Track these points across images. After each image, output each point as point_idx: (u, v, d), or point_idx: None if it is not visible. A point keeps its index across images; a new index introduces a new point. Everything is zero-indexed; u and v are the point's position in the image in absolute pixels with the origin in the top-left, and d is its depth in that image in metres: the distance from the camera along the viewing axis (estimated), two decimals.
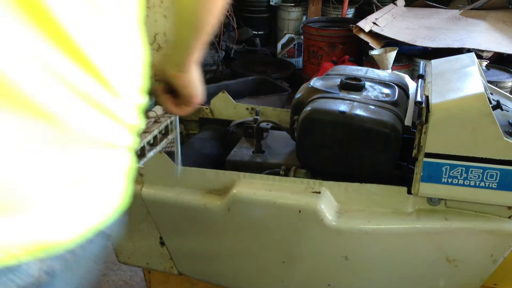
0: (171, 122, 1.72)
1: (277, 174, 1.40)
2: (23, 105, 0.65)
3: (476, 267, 1.33)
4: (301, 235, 1.35)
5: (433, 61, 1.52)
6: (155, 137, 1.65)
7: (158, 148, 1.65)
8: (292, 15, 4.76)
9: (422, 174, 1.24)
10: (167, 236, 1.51)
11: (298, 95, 1.48)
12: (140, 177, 1.45)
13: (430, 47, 3.65)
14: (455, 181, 1.23)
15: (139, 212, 1.48)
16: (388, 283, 1.40)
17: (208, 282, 1.58)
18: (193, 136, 1.77)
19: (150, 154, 1.61)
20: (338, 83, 1.46)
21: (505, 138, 1.17)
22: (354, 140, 1.30)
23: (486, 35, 3.73)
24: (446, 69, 1.43)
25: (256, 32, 4.83)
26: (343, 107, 1.32)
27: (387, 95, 1.45)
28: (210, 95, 1.92)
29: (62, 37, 0.67)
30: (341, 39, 4.07)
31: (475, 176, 1.21)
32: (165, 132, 1.71)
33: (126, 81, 0.80)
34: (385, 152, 1.29)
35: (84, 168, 0.75)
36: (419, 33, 3.80)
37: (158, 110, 1.74)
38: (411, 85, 1.60)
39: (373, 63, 3.48)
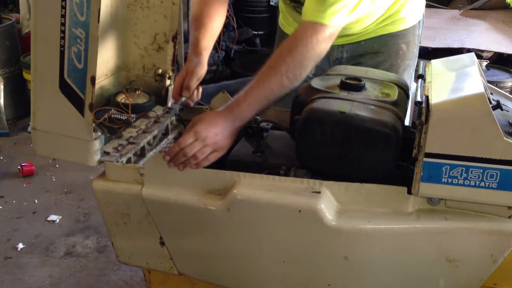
0: (171, 122, 1.72)
1: (277, 174, 1.40)
2: None
3: (476, 267, 1.33)
4: (301, 235, 1.35)
5: (433, 61, 1.52)
6: (155, 137, 1.65)
7: (158, 148, 1.65)
8: None
9: (422, 174, 1.24)
10: (167, 236, 1.51)
11: (298, 95, 1.48)
12: (140, 177, 1.45)
13: (430, 47, 3.65)
14: (455, 181, 1.23)
15: (139, 212, 1.48)
16: (388, 283, 1.40)
17: (208, 282, 1.58)
18: None
19: (150, 154, 1.61)
20: (338, 83, 1.46)
21: (505, 138, 1.17)
22: (354, 140, 1.30)
23: (486, 35, 3.73)
24: (446, 69, 1.43)
25: (256, 32, 4.83)
26: (343, 107, 1.32)
27: (387, 95, 1.45)
28: (210, 95, 1.92)
29: None
30: None
31: (475, 176, 1.21)
32: (165, 132, 1.71)
33: None
34: (385, 152, 1.29)
35: None
36: None
37: (158, 110, 1.74)
38: (411, 85, 1.60)
39: None
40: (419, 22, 1.81)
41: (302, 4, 1.55)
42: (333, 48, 1.46)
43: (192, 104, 1.66)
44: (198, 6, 1.69)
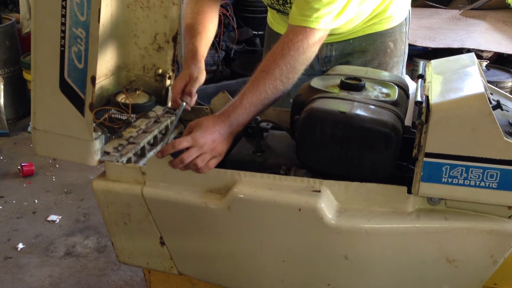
0: (171, 122, 1.72)
1: (278, 174, 1.40)
2: None
3: (476, 268, 1.33)
4: (301, 233, 1.35)
5: (433, 61, 1.52)
6: (155, 137, 1.65)
7: (158, 148, 1.65)
8: None
9: (422, 174, 1.24)
10: (168, 235, 1.52)
11: (298, 95, 1.49)
12: (141, 177, 1.45)
13: (430, 47, 3.66)
14: (455, 181, 1.23)
15: (140, 211, 1.48)
16: (387, 282, 1.40)
17: (208, 282, 1.58)
18: None
19: (150, 154, 1.61)
20: (338, 83, 1.47)
21: (505, 138, 1.17)
22: (354, 140, 1.30)
23: (486, 35, 3.74)
24: (446, 69, 1.43)
25: (256, 32, 4.82)
26: (343, 107, 1.32)
27: (387, 95, 1.45)
28: (210, 95, 1.92)
29: None
30: None
31: (475, 176, 1.21)
32: (165, 132, 1.71)
33: None
34: (385, 152, 1.30)
35: None
36: (419, 33, 3.80)
37: (158, 110, 1.74)
38: (411, 85, 1.61)
39: None
40: (405, 19, 1.84)
41: (288, 14, 1.58)
42: (322, 46, 1.50)
43: (189, 109, 1.68)
44: (191, 16, 1.73)
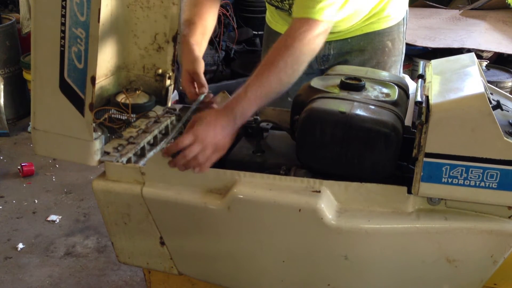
0: (171, 122, 1.72)
1: (278, 174, 1.40)
2: None
3: (476, 268, 1.33)
4: (301, 234, 1.35)
5: (433, 61, 1.52)
6: (155, 137, 1.65)
7: (158, 148, 1.65)
8: None
9: (422, 174, 1.24)
10: (167, 235, 1.52)
11: (298, 95, 1.49)
12: (141, 177, 1.45)
13: (430, 47, 3.66)
14: (455, 181, 1.23)
15: (139, 212, 1.48)
16: (387, 283, 1.40)
17: (208, 282, 1.58)
18: None
19: (150, 154, 1.61)
20: (338, 83, 1.47)
21: (505, 138, 1.17)
22: (354, 140, 1.30)
23: (486, 35, 3.74)
24: (446, 69, 1.43)
25: (256, 32, 4.82)
26: (343, 107, 1.32)
27: (387, 95, 1.45)
28: None
29: None
30: None
31: (475, 176, 1.21)
32: (165, 132, 1.71)
33: None
34: (385, 152, 1.30)
35: None
36: (419, 33, 3.80)
37: (158, 110, 1.74)
38: (411, 85, 1.61)
39: None
40: (403, 19, 1.85)
41: (287, 10, 1.57)
42: None
43: (212, 95, 1.65)
44: (188, 8, 1.72)
